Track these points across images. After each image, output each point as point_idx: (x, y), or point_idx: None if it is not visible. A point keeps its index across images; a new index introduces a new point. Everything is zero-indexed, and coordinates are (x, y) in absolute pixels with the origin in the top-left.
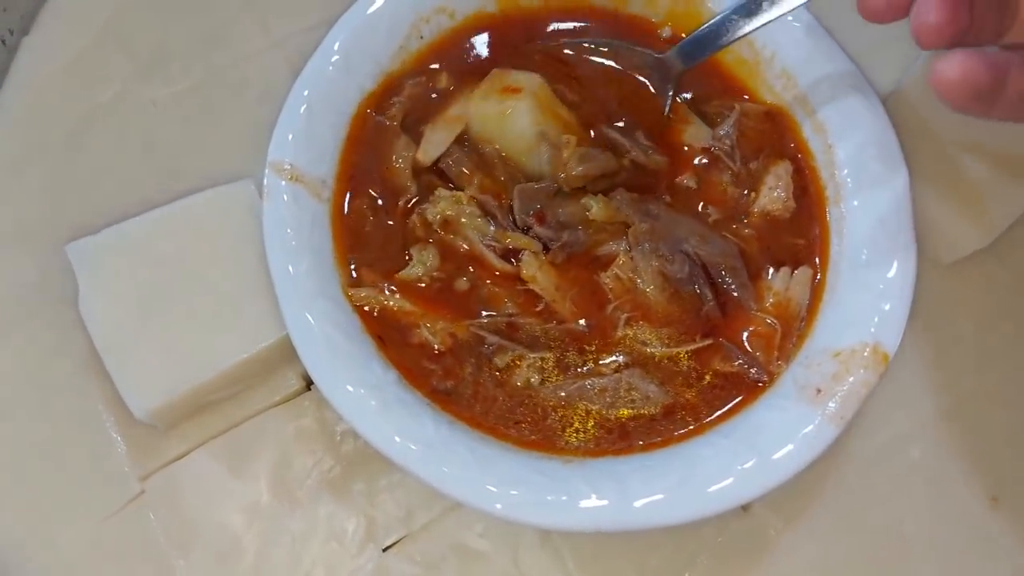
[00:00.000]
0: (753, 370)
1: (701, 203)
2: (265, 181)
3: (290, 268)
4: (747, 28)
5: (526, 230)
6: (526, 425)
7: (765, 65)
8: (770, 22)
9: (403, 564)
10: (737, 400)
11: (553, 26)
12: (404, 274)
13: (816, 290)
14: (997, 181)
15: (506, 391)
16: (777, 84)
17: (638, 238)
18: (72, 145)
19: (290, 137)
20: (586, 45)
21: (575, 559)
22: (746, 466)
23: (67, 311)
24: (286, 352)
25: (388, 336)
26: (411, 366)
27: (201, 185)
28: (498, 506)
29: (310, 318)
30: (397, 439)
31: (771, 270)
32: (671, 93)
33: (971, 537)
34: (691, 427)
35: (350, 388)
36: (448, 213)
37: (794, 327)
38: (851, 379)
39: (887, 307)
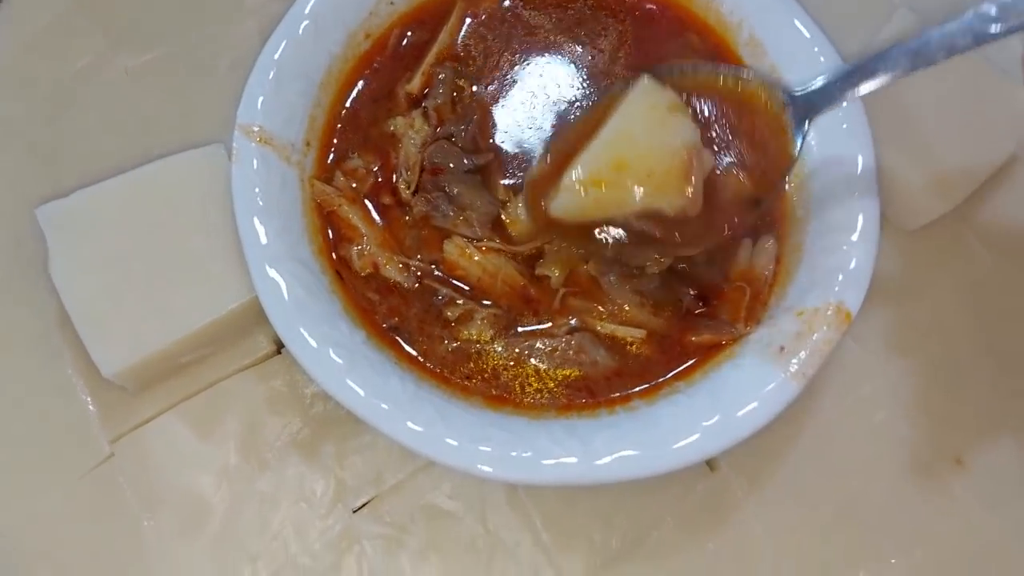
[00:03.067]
0: (719, 329)
1: None
2: (234, 144)
3: (258, 229)
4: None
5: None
6: (477, 380)
7: (734, 31)
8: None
9: (372, 525)
10: (696, 360)
11: None
12: (348, 164)
13: (778, 260)
14: (960, 146)
15: (452, 334)
16: (745, 51)
17: (601, 269)
18: (45, 112)
19: (260, 100)
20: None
21: (542, 518)
22: (710, 422)
23: (37, 275)
24: (256, 315)
25: (344, 272)
26: (359, 300)
27: (173, 151)
28: (465, 462)
29: (278, 279)
30: (365, 397)
31: (745, 240)
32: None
33: (936, 498)
34: (653, 384)
35: (318, 347)
36: (399, 130)
37: (762, 289)
38: (814, 337)
39: (851, 266)
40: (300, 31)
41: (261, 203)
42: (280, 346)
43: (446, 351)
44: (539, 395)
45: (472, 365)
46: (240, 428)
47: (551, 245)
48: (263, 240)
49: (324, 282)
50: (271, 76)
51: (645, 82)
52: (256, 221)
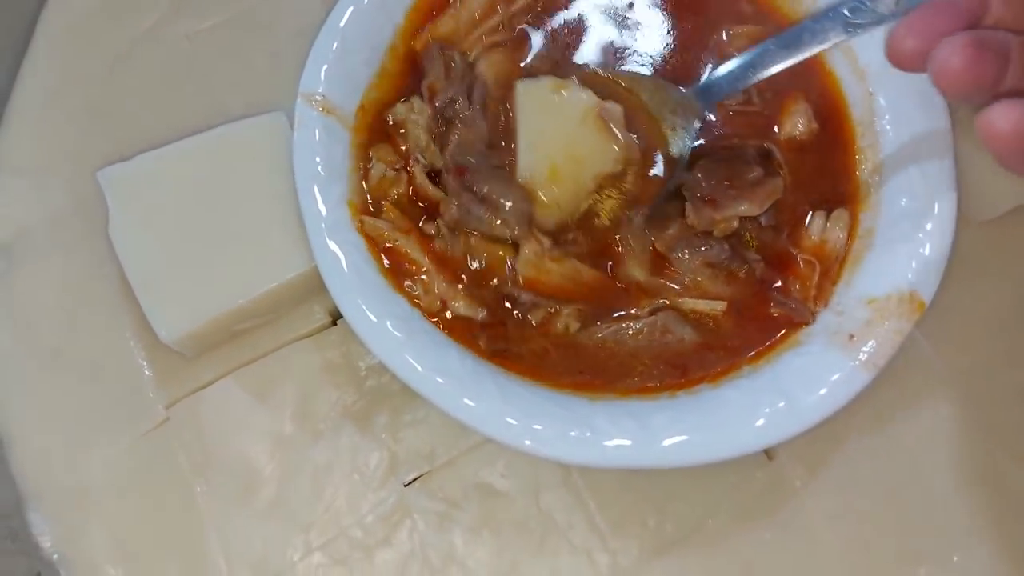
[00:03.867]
0: (795, 309)
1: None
2: (296, 112)
3: (319, 198)
4: (782, 64)
5: (436, 175)
6: (587, 375)
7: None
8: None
9: (424, 499)
10: (770, 342)
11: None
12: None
13: (851, 236)
14: None
15: (551, 341)
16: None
17: (670, 245)
18: (107, 77)
19: (324, 68)
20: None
21: (596, 501)
22: (775, 409)
23: (98, 238)
24: (314, 285)
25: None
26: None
27: (234, 118)
28: (524, 440)
29: (337, 249)
30: (422, 371)
31: (810, 213)
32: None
33: (998, 496)
34: (719, 369)
35: (376, 319)
36: (399, 117)
37: (833, 267)
38: (885, 326)
39: (925, 254)
40: (365, 1)
41: (322, 172)
42: (336, 317)
43: (555, 359)
44: (634, 379)
45: (576, 362)
46: (295, 397)
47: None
48: (323, 210)
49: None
50: (335, 45)
51: (520, 87)
52: (316, 190)
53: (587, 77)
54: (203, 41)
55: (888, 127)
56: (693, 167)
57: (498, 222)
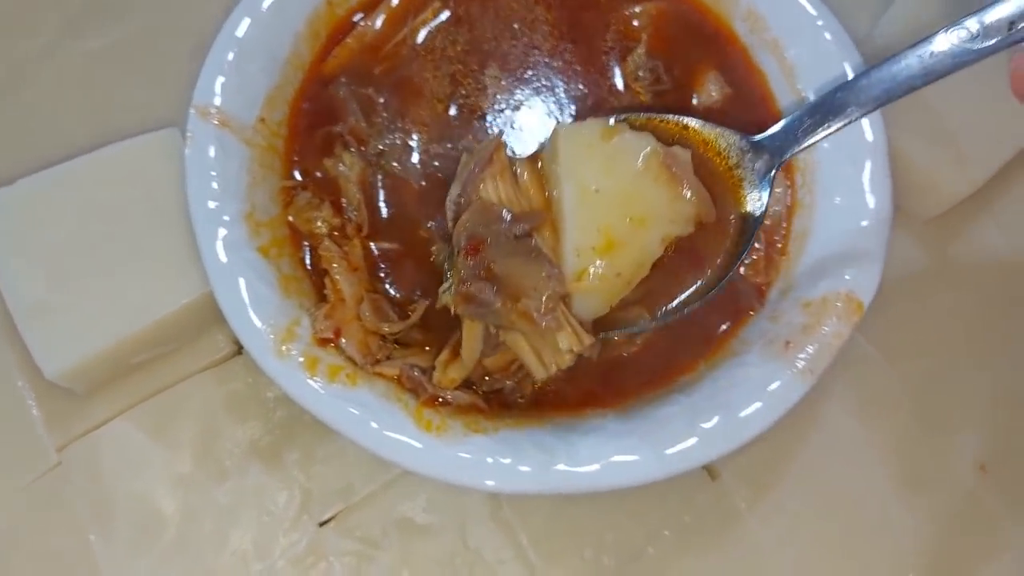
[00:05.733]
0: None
1: None
2: (188, 126)
3: (213, 217)
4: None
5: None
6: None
7: (732, 4)
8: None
9: (341, 539)
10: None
11: None
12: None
13: (785, 238)
14: (978, 127)
15: None
16: (743, 26)
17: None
18: None
19: (220, 80)
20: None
21: (528, 534)
22: (710, 424)
23: None
24: (214, 312)
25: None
26: None
27: (128, 137)
28: (438, 471)
29: (235, 271)
30: (332, 402)
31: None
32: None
33: (959, 507)
34: (653, 383)
35: (281, 348)
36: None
37: (776, 239)
38: (823, 330)
39: (862, 253)
40: (264, 9)
41: (217, 188)
42: (240, 346)
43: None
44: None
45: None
46: (197, 434)
47: None
48: (219, 229)
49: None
50: (231, 55)
51: (561, 131)
52: (211, 208)
53: (636, 124)
54: (98, 59)
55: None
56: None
57: (515, 313)
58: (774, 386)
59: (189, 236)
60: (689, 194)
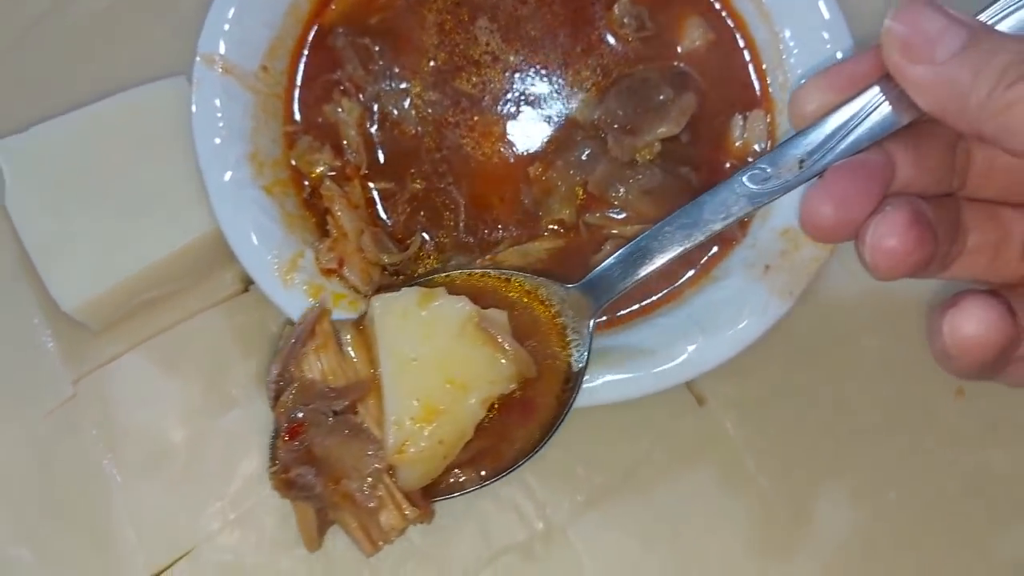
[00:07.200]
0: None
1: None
2: (195, 73)
3: (220, 157)
4: (680, 247)
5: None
6: None
7: None
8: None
9: None
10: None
11: None
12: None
13: (771, 139)
14: None
15: None
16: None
17: (603, 184)
18: (4, 54)
19: (224, 28)
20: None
21: None
22: (695, 343)
23: None
24: (221, 252)
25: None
26: None
27: (135, 85)
28: None
29: (242, 209)
30: None
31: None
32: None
33: (935, 430)
34: (635, 309)
35: (286, 277)
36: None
37: None
38: (801, 254)
39: None
40: None
41: (223, 130)
42: (248, 283)
43: None
44: None
45: None
46: (206, 366)
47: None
48: (224, 167)
49: (292, 205)
50: (233, 9)
51: (376, 304)
52: (217, 145)
53: (456, 283)
54: (104, 18)
55: (794, 62)
56: (603, 100)
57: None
58: (755, 306)
59: (196, 177)
60: (507, 354)
